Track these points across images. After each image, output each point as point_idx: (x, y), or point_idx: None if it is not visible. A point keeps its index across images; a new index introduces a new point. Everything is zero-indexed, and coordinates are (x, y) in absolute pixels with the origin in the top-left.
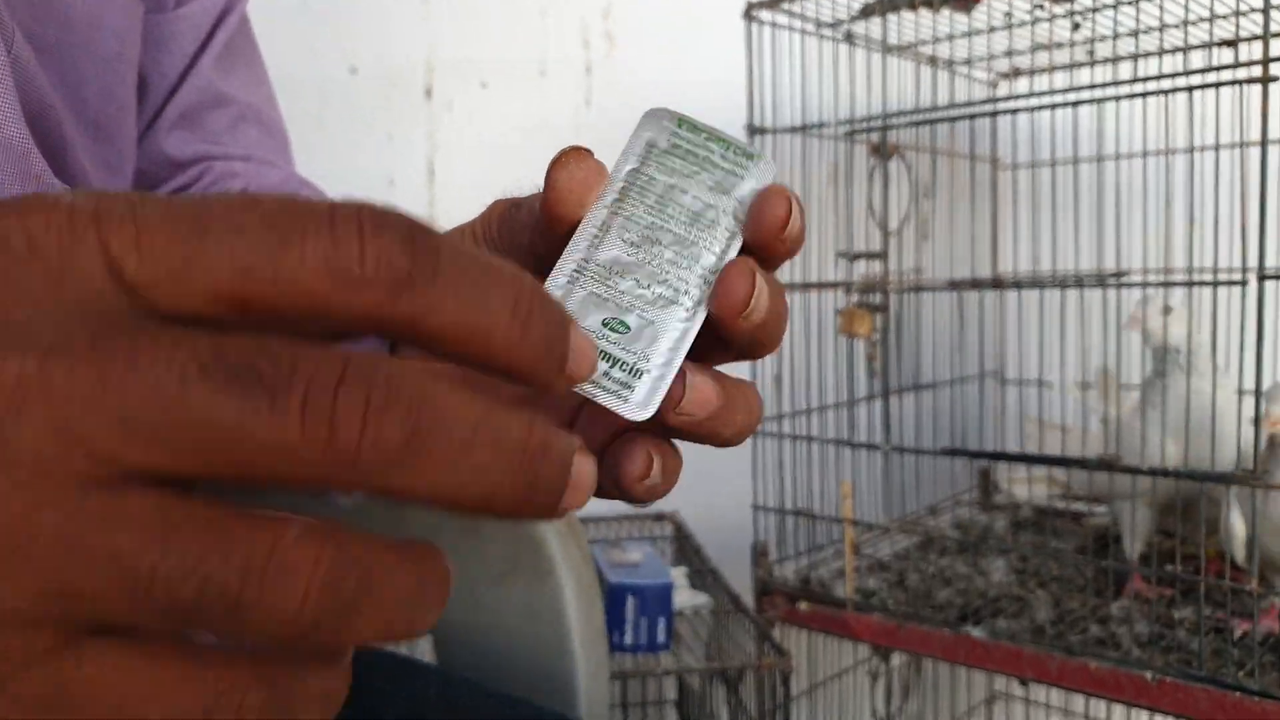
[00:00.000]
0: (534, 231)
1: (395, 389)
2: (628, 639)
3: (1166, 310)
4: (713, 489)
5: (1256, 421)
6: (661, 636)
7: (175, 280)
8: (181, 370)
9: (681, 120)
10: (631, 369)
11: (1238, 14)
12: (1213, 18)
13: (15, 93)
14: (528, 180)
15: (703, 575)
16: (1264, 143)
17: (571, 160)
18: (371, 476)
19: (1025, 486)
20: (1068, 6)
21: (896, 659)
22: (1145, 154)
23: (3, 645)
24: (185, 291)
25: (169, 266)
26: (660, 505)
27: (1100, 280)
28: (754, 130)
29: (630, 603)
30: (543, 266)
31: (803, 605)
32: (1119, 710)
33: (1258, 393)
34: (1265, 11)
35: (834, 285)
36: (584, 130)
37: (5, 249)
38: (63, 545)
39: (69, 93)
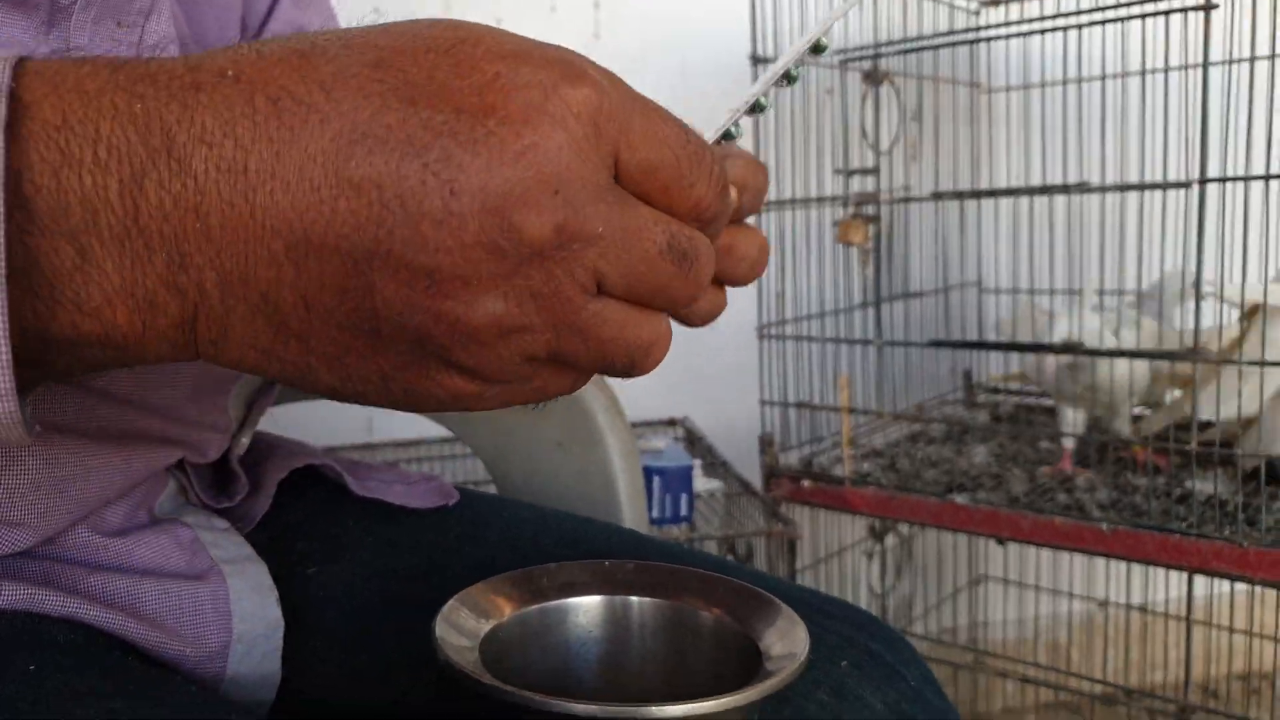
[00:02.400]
0: None
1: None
2: (654, 513)
3: None
4: (719, 398)
5: (1197, 303)
6: (684, 511)
7: (644, 175)
8: (656, 245)
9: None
10: None
11: None
12: None
13: (177, 37)
14: None
15: (714, 467)
16: (1205, 64)
17: None
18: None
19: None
20: None
21: (890, 540)
22: (1104, 77)
23: (511, 373)
24: (646, 184)
25: (643, 168)
26: (671, 411)
27: (1065, 189)
28: (757, 60)
29: (656, 482)
30: None
31: (806, 483)
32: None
33: (1198, 279)
34: None
35: (832, 199)
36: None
37: (563, 134)
38: (575, 327)
39: (196, 35)
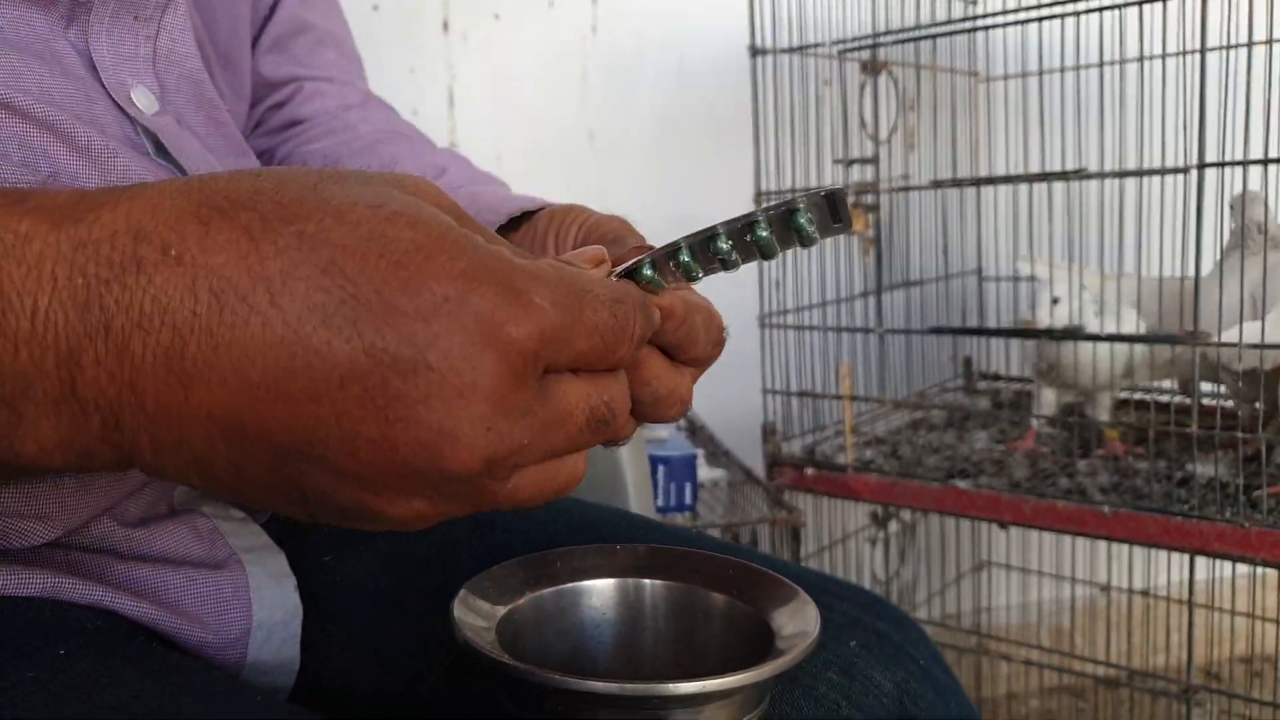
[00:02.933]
0: None
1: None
2: (659, 502)
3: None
4: (721, 388)
5: (1196, 286)
6: (688, 499)
7: (575, 362)
8: (578, 425)
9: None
10: None
11: None
12: None
13: (192, 31)
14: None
15: (717, 456)
16: (1203, 50)
17: None
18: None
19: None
20: None
21: (893, 527)
22: (1102, 64)
23: (493, 478)
24: (577, 364)
25: (575, 360)
26: None
27: (1064, 176)
28: (755, 51)
29: (661, 471)
30: None
31: (809, 471)
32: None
33: (1198, 264)
34: None
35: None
36: (591, 58)
37: (504, 368)
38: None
39: (208, 29)
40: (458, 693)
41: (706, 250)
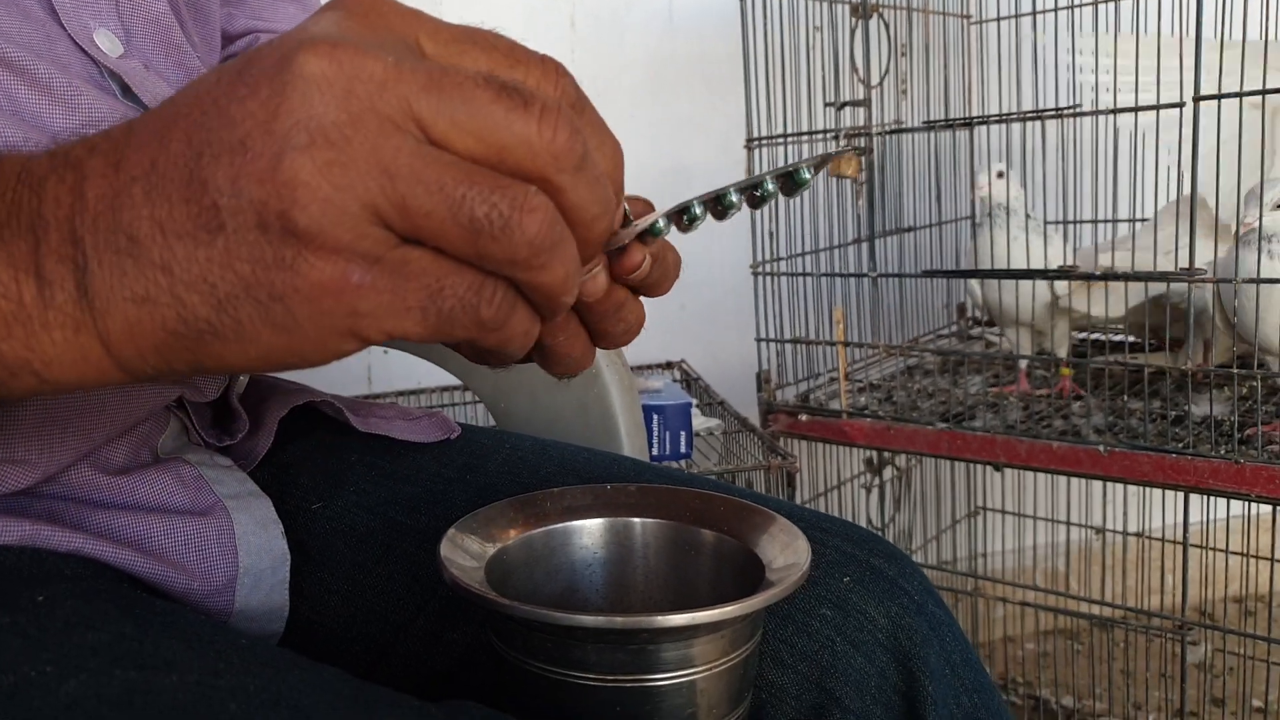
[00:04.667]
0: None
1: (594, 144)
2: (655, 451)
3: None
4: (715, 338)
5: (1192, 222)
6: (684, 448)
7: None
8: (473, 81)
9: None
10: None
11: None
12: None
13: None
14: None
15: (712, 406)
16: None
17: None
18: (562, 163)
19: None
20: None
21: (888, 473)
22: (1096, 2)
23: (360, 232)
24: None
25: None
26: (667, 355)
27: (1057, 113)
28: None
29: (656, 420)
30: None
31: (803, 417)
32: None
33: (1193, 197)
34: None
35: (823, 133)
36: (578, 5)
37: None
38: (412, 171)
39: None
40: (447, 635)
41: (716, 205)
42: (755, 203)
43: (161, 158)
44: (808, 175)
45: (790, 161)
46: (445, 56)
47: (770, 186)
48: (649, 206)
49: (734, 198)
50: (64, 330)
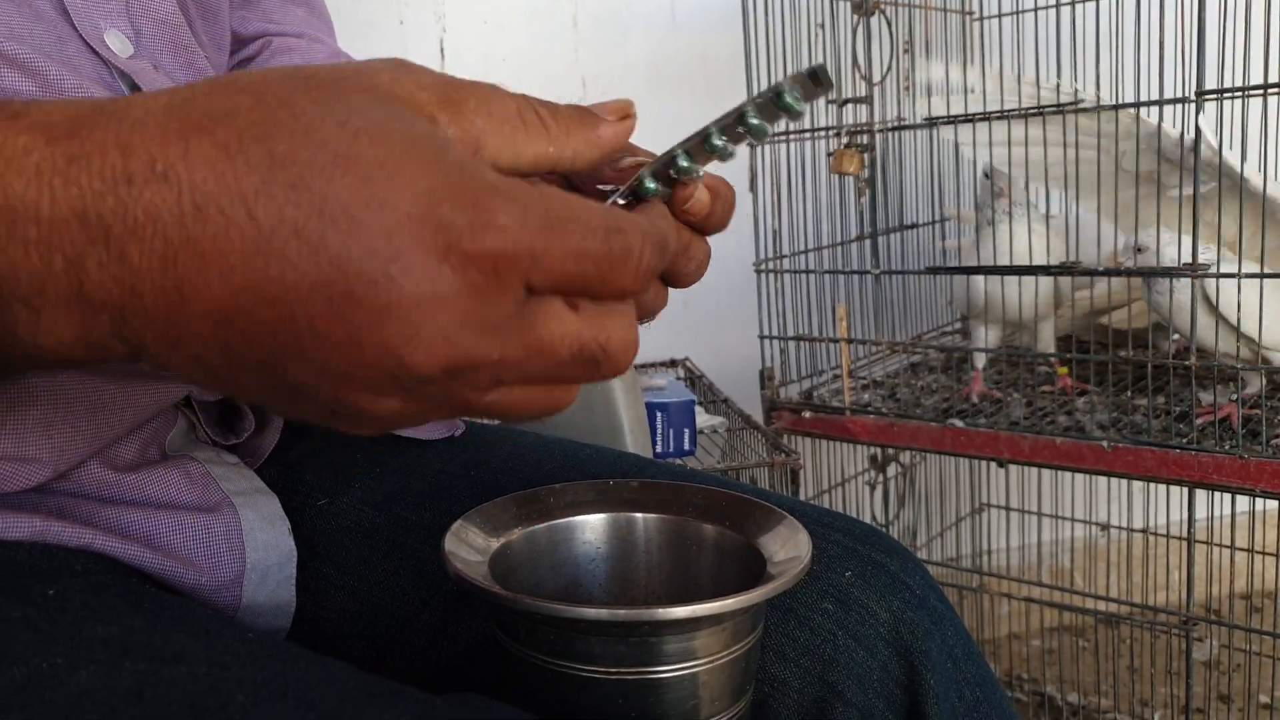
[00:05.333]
0: None
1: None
2: (659, 448)
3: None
4: (718, 337)
5: (1195, 220)
6: (687, 445)
7: (563, 285)
8: (559, 359)
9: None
10: None
11: None
12: None
13: None
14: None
15: (715, 404)
16: None
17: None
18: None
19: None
20: None
21: (892, 470)
22: None
23: (464, 384)
24: (567, 289)
25: (560, 282)
26: (671, 352)
27: (1059, 109)
28: None
29: (660, 417)
30: None
31: (806, 414)
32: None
33: (1195, 194)
34: None
35: (825, 130)
36: (581, 4)
37: (460, 282)
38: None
39: None
40: (452, 629)
41: (703, 149)
42: (742, 138)
43: (239, 322)
44: (792, 100)
45: (780, 126)
46: (556, 289)
47: (755, 119)
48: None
49: (718, 140)
50: (117, 361)
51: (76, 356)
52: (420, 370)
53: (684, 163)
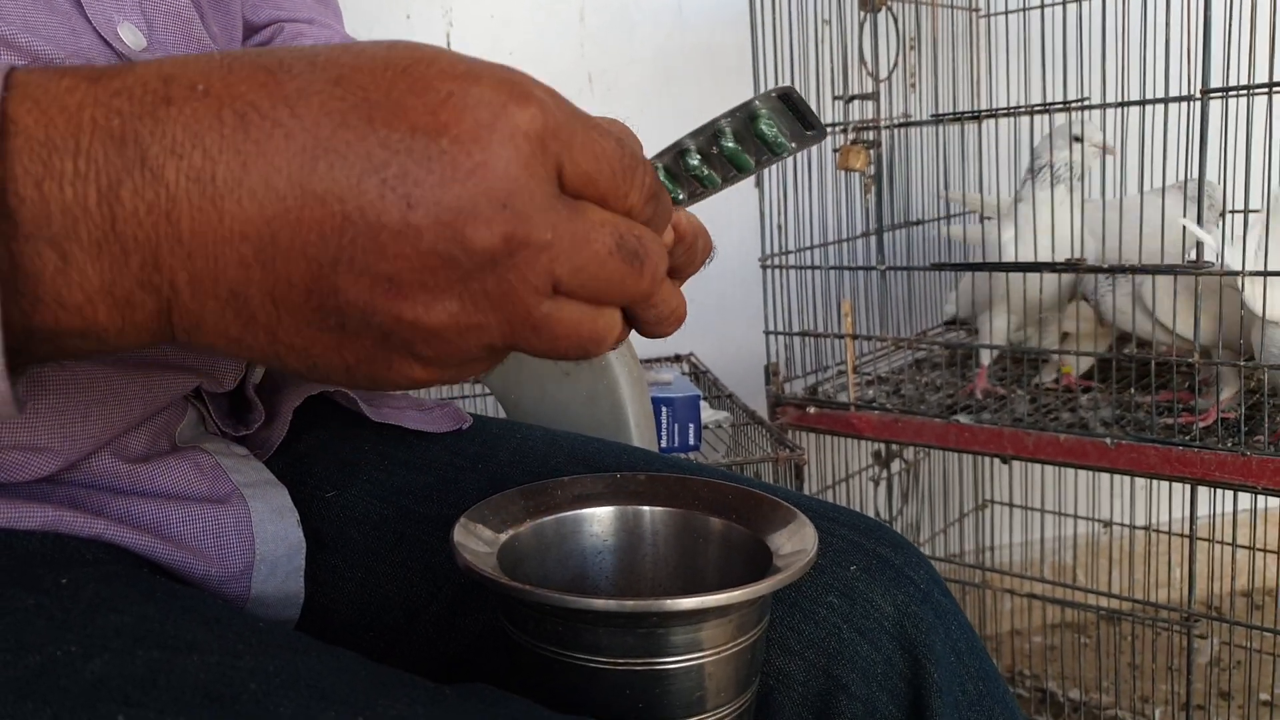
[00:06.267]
0: None
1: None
2: (664, 443)
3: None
4: (724, 332)
5: (1199, 216)
6: (692, 440)
7: (584, 184)
8: (605, 245)
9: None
10: None
11: None
12: None
13: None
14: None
15: (720, 399)
16: None
17: None
18: (649, 298)
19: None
20: None
21: (896, 466)
22: None
23: (474, 361)
24: (586, 192)
25: (583, 179)
26: (677, 347)
27: (1065, 106)
28: None
29: (665, 413)
30: None
31: (811, 409)
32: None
33: (1200, 191)
34: None
35: (831, 126)
36: (588, 15)
37: (510, 150)
38: (535, 327)
39: None
40: (460, 621)
41: (682, 169)
42: (725, 167)
43: (285, 232)
44: (767, 127)
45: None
46: (577, 187)
47: (729, 143)
48: None
49: (694, 160)
50: (139, 336)
51: (100, 321)
52: (480, 242)
53: (662, 178)
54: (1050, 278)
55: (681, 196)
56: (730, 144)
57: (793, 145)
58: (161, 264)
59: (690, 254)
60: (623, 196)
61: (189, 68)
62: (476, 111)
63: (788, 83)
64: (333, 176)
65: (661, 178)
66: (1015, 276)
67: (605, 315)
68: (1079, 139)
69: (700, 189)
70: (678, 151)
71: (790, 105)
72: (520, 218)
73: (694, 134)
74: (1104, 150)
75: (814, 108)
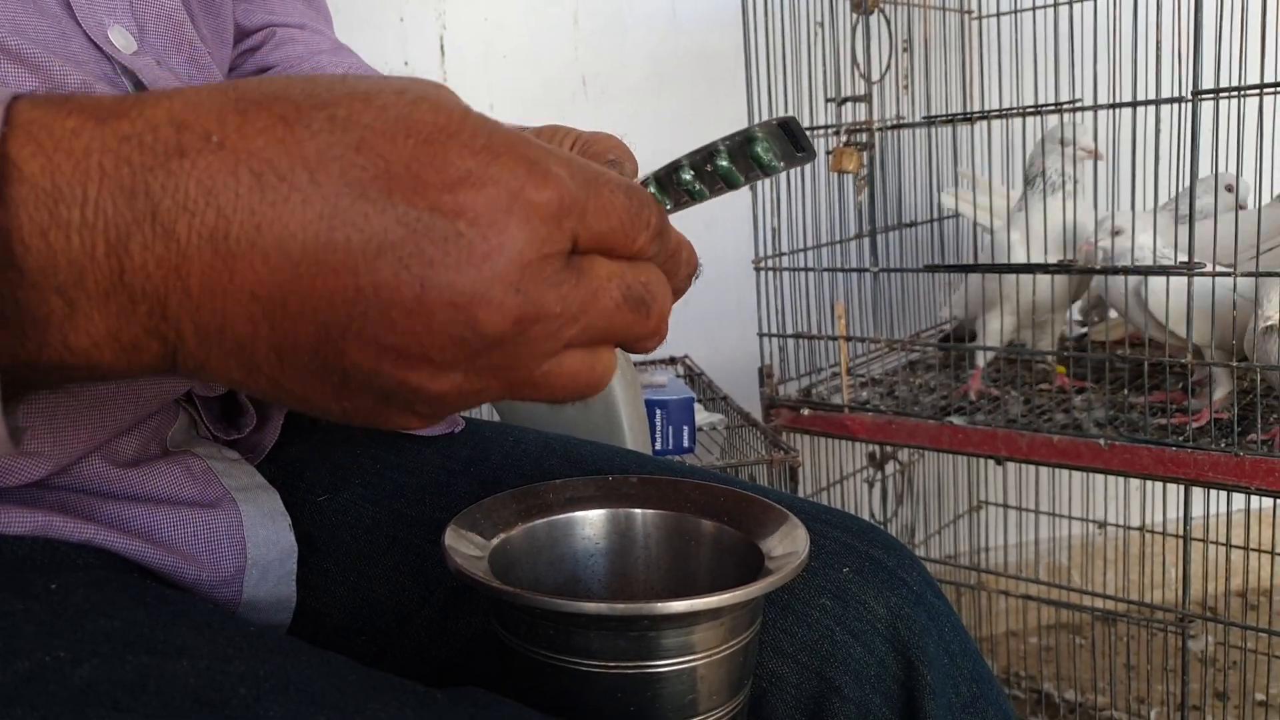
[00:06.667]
0: None
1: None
2: (658, 445)
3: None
4: (717, 334)
5: (1191, 217)
6: (687, 442)
7: (597, 241)
8: (613, 300)
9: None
10: None
11: None
12: None
13: None
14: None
15: (715, 401)
16: None
17: None
18: (641, 346)
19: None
20: None
21: (890, 468)
22: None
23: (464, 406)
24: (598, 246)
25: (596, 238)
26: (671, 350)
27: (1058, 108)
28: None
29: (659, 415)
30: None
31: (805, 411)
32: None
33: (1192, 193)
34: None
35: (824, 128)
36: (581, 2)
37: (527, 233)
38: (535, 385)
39: None
40: (452, 625)
41: (673, 182)
42: (715, 182)
43: (294, 300)
44: (763, 151)
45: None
46: (591, 246)
47: (724, 162)
48: None
49: (687, 175)
50: (144, 372)
51: (105, 361)
52: (492, 327)
53: (652, 189)
54: (1045, 280)
55: (669, 205)
56: (724, 163)
57: (782, 165)
58: (169, 314)
59: (674, 265)
60: (630, 243)
61: (201, 112)
62: (494, 192)
63: (780, 85)
64: (348, 249)
65: (651, 188)
66: (1010, 278)
67: (603, 358)
68: (1065, 143)
69: (688, 200)
70: (673, 168)
71: (787, 131)
72: (531, 301)
73: (691, 154)
74: (1094, 156)
75: (807, 109)
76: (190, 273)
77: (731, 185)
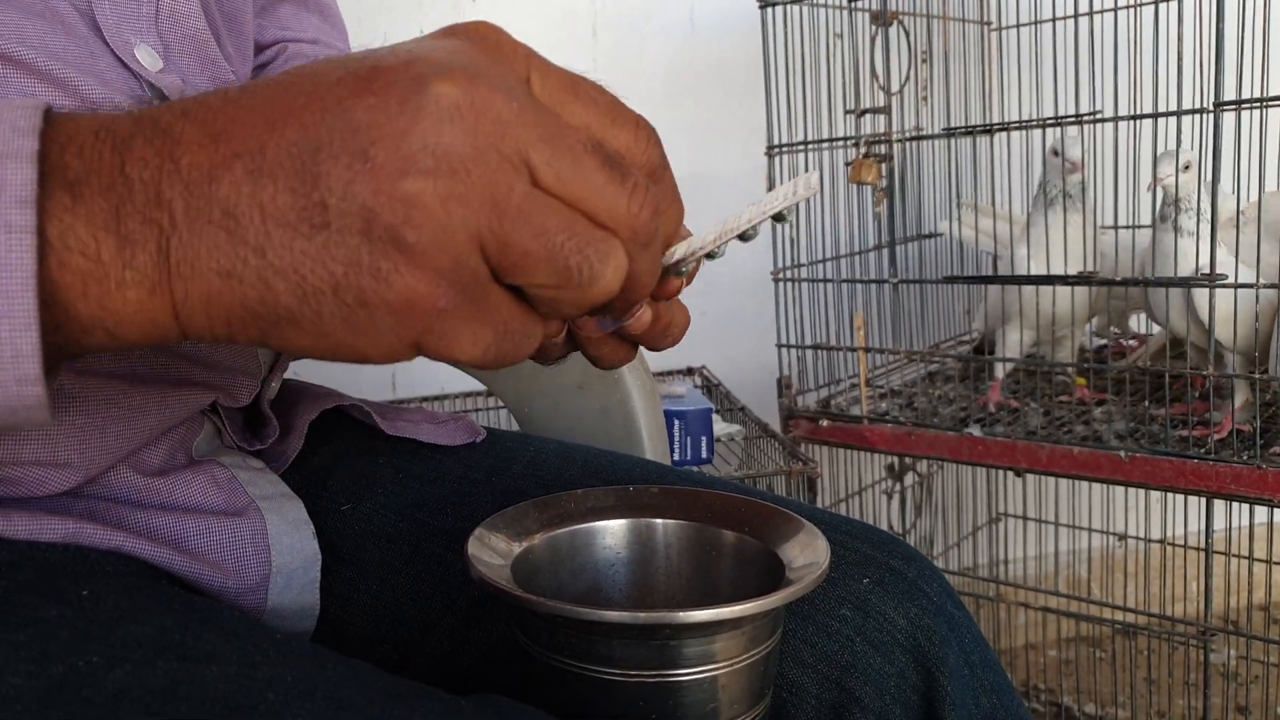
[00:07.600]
0: None
1: (665, 213)
2: (676, 456)
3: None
4: (736, 345)
5: (1213, 228)
6: (705, 453)
7: (560, 104)
8: (581, 142)
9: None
10: None
11: None
12: None
13: None
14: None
15: (733, 412)
16: None
17: None
18: (638, 238)
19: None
20: None
21: (909, 480)
22: (1116, 9)
23: (460, 260)
24: (563, 106)
25: (564, 100)
26: (689, 360)
27: (1078, 119)
28: (765, 3)
29: (677, 425)
30: None
31: (824, 422)
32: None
33: (1214, 204)
34: None
35: (843, 140)
36: (600, 14)
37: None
38: (520, 213)
39: None
40: (474, 634)
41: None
42: (745, 237)
43: (272, 143)
44: (787, 214)
45: (780, 200)
46: (551, 102)
47: (753, 232)
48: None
49: (720, 250)
50: (139, 291)
51: (106, 261)
52: (444, 98)
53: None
54: (1064, 293)
55: (685, 268)
56: (752, 231)
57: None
58: (162, 198)
59: (658, 338)
60: (610, 124)
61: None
62: (470, 26)
63: (799, 96)
64: (315, 84)
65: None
66: (1029, 292)
67: (605, 234)
68: (1056, 154)
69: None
70: (717, 244)
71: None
72: (482, 80)
73: (730, 229)
74: (1079, 170)
75: (826, 121)
76: (181, 155)
77: (744, 239)
